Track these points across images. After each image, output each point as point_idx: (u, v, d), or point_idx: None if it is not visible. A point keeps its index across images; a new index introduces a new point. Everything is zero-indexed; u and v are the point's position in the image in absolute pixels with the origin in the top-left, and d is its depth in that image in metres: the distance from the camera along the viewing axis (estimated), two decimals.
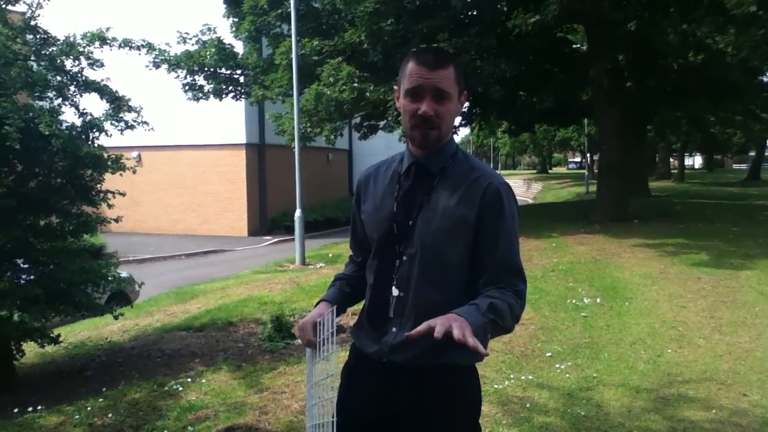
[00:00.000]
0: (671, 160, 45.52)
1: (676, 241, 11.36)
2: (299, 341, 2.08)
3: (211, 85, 16.48)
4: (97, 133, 5.79)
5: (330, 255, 13.39)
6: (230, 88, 16.85)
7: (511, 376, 5.02)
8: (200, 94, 16.46)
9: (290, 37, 13.05)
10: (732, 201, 20.86)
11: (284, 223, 20.61)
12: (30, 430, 4.38)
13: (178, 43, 15.62)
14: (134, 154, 20.19)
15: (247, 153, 21.19)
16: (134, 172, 6.18)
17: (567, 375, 5.06)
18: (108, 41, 5.86)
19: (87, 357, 6.34)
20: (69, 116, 5.78)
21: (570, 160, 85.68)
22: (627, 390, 4.71)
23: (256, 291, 8.92)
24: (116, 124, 5.85)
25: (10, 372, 5.63)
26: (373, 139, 19.15)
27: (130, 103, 5.95)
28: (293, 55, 12.64)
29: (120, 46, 6.04)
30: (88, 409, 4.66)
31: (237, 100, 17.52)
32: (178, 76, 16.07)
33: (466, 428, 1.89)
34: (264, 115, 19.91)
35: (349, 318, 6.16)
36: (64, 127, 5.48)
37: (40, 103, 5.58)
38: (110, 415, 4.53)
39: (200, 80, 16.42)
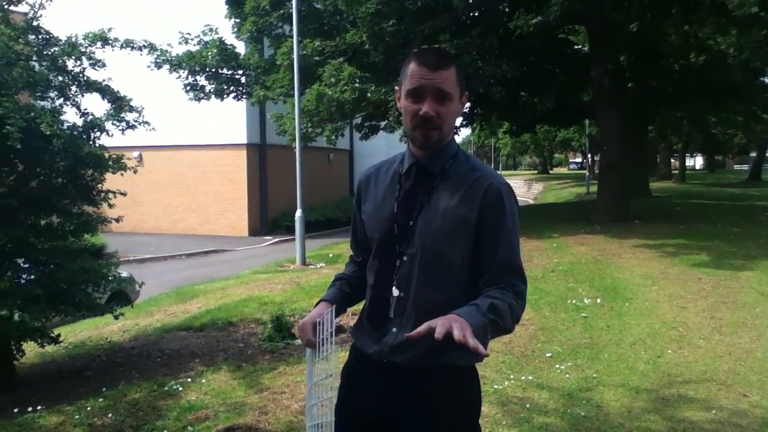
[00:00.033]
0: (672, 160, 45.50)
1: (676, 241, 11.35)
2: (299, 341, 2.09)
3: (213, 86, 16.49)
4: (98, 133, 5.79)
5: (330, 255, 13.39)
6: (231, 88, 16.86)
7: (511, 376, 5.02)
8: (201, 95, 16.48)
9: (292, 37, 13.07)
10: (733, 202, 20.85)
11: (285, 223, 20.63)
12: (30, 429, 4.39)
13: (180, 43, 15.65)
14: (135, 153, 20.21)
15: (248, 153, 21.21)
16: (135, 171, 6.19)
17: (567, 375, 5.06)
18: (110, 42, 5.86)
19: (87, 357, 6.34)
20: (70, 116, 5.78)
21: (571, 160, 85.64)
22: (627, 390, 4.71)
23: (256, 291, 8.92)
24: (117, 124, 5.85)
25: (11, 372, 5.64)
26: (374, 140, 19.16)
27: (131, 103, 5.96)
28: (295, 56, 12.64)
29: (122, 47, 6.05)
30: (88, 409, 4.67)
31: (238, 100, 17.54)
32: (179, 77, 16.09)
33: (466, 428, 1.89)
34: (265, 116, 19.91)
35: (349, 318, 6.17)
36: (65, 126, 5.48)
37: (42, 103, 5.59)
38: (110, 415, 4.53)
39: (202, 80, 16.43)
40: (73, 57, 5.64)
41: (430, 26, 12.70)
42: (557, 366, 5.28)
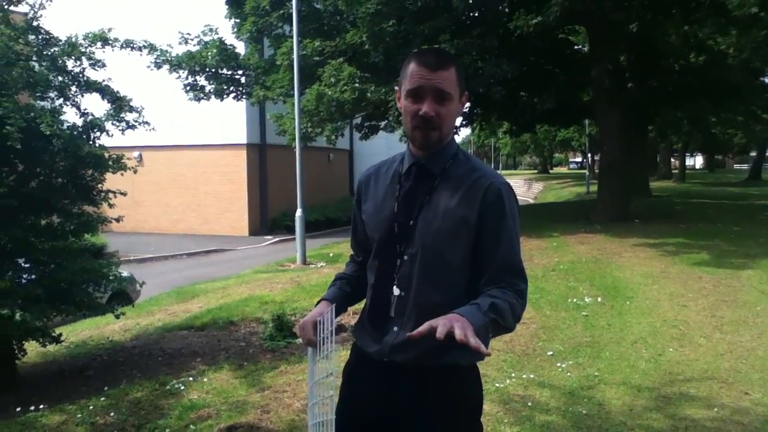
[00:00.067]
0: (672, 160, 45.50)
1: (677, 240, 11.36)
2: (300, 340, 2.09)
3: (213, 86, 16.51)
4: (98, 133, 5.79)
5: (331, 254, 13.40)
6: (231, 88, 16.87)
7: (513, 374, 5.03)
8: (201, 95, 16.48)
9: (292, 37, 13.07)
10: (733, 201, 20.85)
11: (285, 223, 20.64)
12: (32, 429, 4.39)
13: (180, 43, 15.66)
14: (135, 154, 20.21)
15: (248, 153, 21.21)
16: (135, 171, 6.18)
17: (568, 374, 5.07)
18: (110, 42, 5.86)
19: (88, 356, 6.34)
20: (70, 116, 5.78)
21: (571, 160, 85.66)
22: (628, 389, 4.72)
23: (257, 290, 8.92)
24: (117, 124, 5.85)
25: (12, 371, 5.64)
26: (374, 140, 19.16)
27: (131, 103, 5.96)
28: (295, 56, 12.64)
29: (122, 47, 6.05)
30: (90, 408, 4.67)
31: (238, 100, 17.55)
32: (179, 77, 16.10)
33: (468, 427, 1.90)
34: (265, 116, 19.92)
35: (350, 317, 6.17)
36: (65, 127, 5.48)
37: (42, 103, 5.59)
38: (112, 414, 4.54)
39: (201, 81, 16.44)
40: (73, 57, 5.64)
41: (430, 26, 12.71)
42: (558, 364, 5.29)
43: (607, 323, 6.55)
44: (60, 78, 5.64)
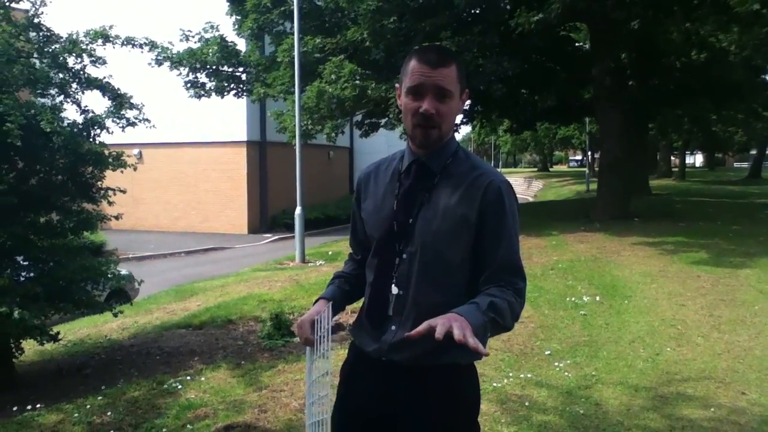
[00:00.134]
0: (672, 158, 45.47)
1: (676, 239, 11.36)
2: (298, 339, 2.10)
3: (213, 83, 16.50)
4: (98, 131, 5.80)
5: (330, 253, 13.40)
6: (232, 85, 16.87)
7: (510, 374, 5.03)
8: (202, 92, 16.48)
9: (293, 34, 13.05)
10: (733, 199, 20.85)
11: (284, 221, 20.64)
12: (29, 428, 4.39)
13: (181, 40, 15.62)
14: (135, 151, 20.22)
15: (248, 150, 21.20)
16: (135, 169, 6.19)
17: (566, 373, 5.07)
18: (111, 39, 5.87)
19: (86, 355, 6.34)
20: (71, 113, 5.78)
21: (571, 158, 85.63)
22: (626, 388, 4.72)
23: (255, 289, 8.92)
24: (118, 121, 5.86)
25: (10, 370, 5.64)
26: (374, 137, 19.15)
27: (131, 101, 5.96)
28: (295, 53, 12.64)
29: (123, 44, 6.05)
30: (88, 407, 4.67)
31: (239, 97, 17.54)
32: (180, 74, 16.10)
33: (465, 426, 1.89)
34: (265, 113, 19.89)
35: (349, 316, 6.17)
36: (65, 124, 5.48)
37: (42, 100, 5.59)
38: (109, 413, 4.54)
39: (202, 78, 16.44)
40: (74, 54, 5.64)
41: (431, 23, 12.70)
42: (556, 364, 5.29)
43: (605, 322, 6.55)
44: (61, 75, 5.64)
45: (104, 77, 5.87)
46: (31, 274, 5.42)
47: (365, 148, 27.63)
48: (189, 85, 16.38)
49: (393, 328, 1.86)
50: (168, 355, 6.03)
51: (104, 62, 5.83)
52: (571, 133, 49.00)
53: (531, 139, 54.28)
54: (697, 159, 70.83)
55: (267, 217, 21.94)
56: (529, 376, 5.00)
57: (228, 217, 21.45)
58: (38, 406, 4.79)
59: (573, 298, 7.49)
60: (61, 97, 5.70)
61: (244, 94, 17.19)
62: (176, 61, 15.65)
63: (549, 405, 4.43)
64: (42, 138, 5.09)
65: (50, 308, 5.29)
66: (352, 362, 2.02)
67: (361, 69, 13.41)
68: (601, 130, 16.28)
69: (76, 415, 4.52)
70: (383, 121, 16.34)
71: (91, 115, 5.76)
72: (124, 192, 5.88)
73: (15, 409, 4.83)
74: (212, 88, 16.48)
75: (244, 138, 21.04)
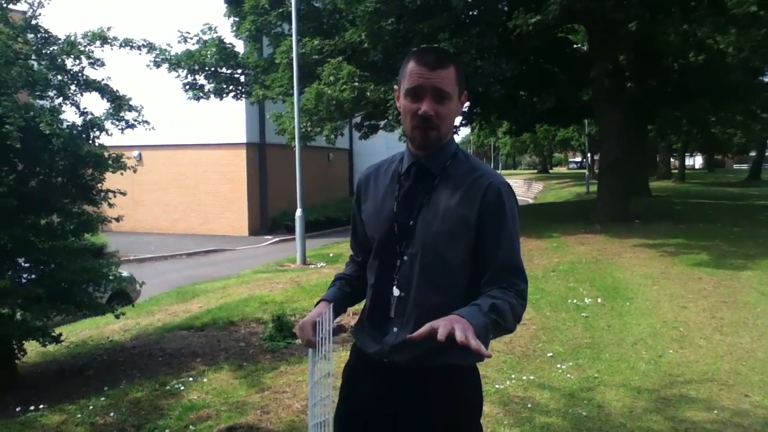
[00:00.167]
0: (672, 160, 45.50)
1: (676, 241, 11.35)
2: (300, 341, 2.10)
3: (212, 85, 16.49)
4: (97, 132, 5.78)
5: (331, 254, 13.40)
6: (231, 87, 16.86)
7: (513, 376, 5.02)
8: (201, 94, 16.47)
9: (291, 36, 13.05)
10: (732, 201, 20.85)
11: (285, 223, 20.64)
12: (32, 429, 4.38)
13: (179, 42, 15.63)
14: (135, 153, 20.20)
15: (247, 152, 21.20)
16: (135, 171, 6.18)
17: (568, 375, 5.06)
18: (109, 41, 5.85)
19: (88, 356, 6.34)
20: (70, 115, 5.77)
21: (570, 159, 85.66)
22: (628, 390, 4.71)
23: (257, 290, 8.92)
24: (117, 123, 5.85)
25: (12, 371, 5.64)
26: (373, 139, 19.15)
27: (130, 103, 5.95)
28: (294, 55, 12.64)
29: (121, 46, 6.04)
30: (90, 408, 4.66)
31: (237, 99, 17.53)
32: (178, 76, 16.09)
33: (467, 428, 1.89)
34: (264, 115, 19.92)
35: (350, 318, 6.17)
36: (64, 126, 5.47)
37: (41, 102, 5.58)
38: (112, 414, 4.53)
39: (201, 80, 16.43)
40: (72, 56, 5.63)
41: (429, 25, 12.70)
42: (558, 366, 5.28)
43: (607, 324, 6.55)
44: (59, 77, 5.63)
45: (103, 79, 5.86)
46: (33, 276, 5.41)
47: (365, 149, 27.66)
48: (188, 86, 16.37)
49: (395, 329, 1.86)
50: (170, 357, 6.02)
51: (103, 64, 5.82)
52: (571, 135, 49.03)
53: (530, 140, 54.32)
54: (697, 161, 70.90)
55: (267, 219, 21.94)
56: (531, 378, 4.99)
57: (228, 219, 21.45)
58: (41, 406, 4.78)
59: (574, 300, 7.49)
60: (60, 99, 5.69)
61: (243, 95, 17.18)
62: (174, 63, 15.65)
63: (551, 407, 4.42)
64: (41, 140, 5.08)
65: (52, 310, 5.28)
66: (353, 364, 2.02)
67: (360, 71, 13.41)
68: (600, 132, 16.29)
69: (78, 415, 4.52)
70: (382, 122, 16.34)
71: (90, 117, 5.75)
72: (124, 194, 5.87)
73: (18, 409, 4.83)
74: (211, 89, 16.47)
75: (244, 140, 21.04)
